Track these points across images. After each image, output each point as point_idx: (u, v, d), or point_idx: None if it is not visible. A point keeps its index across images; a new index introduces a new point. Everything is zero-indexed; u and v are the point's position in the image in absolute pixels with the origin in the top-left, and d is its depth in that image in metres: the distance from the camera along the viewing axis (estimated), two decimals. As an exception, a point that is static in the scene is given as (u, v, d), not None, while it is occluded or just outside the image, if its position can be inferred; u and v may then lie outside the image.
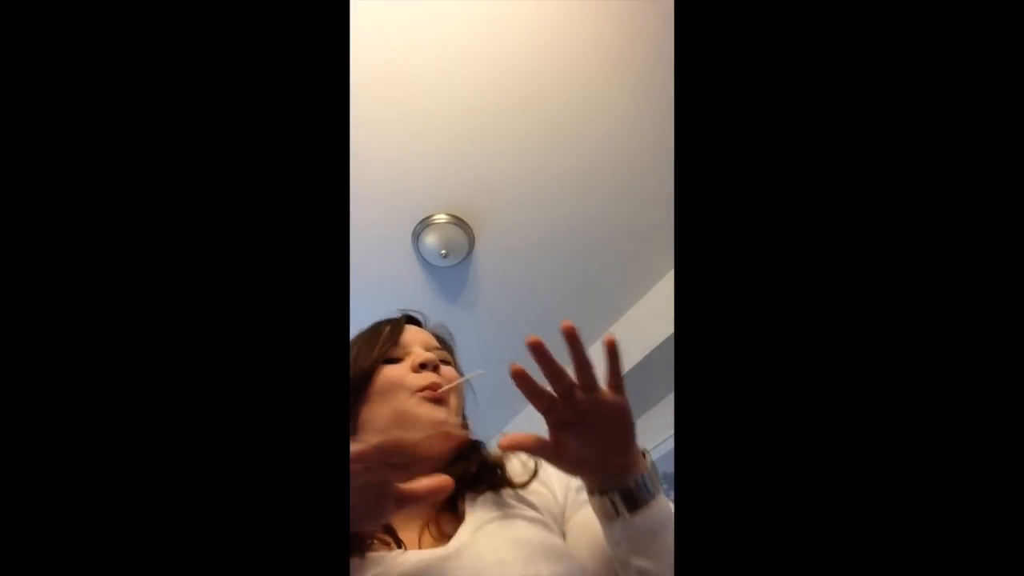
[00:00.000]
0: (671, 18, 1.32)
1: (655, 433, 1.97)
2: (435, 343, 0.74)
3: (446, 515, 0.61)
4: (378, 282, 1.85)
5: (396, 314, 0.77)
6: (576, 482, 0.67)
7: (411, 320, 0.78)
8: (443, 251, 1.75)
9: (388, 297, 1.86)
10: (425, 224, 1.71)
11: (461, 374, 0.72)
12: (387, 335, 0.70)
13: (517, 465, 0.69)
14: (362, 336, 0.72)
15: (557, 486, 0.68)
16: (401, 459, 0.44)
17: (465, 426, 0.71)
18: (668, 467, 1.90)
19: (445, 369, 0.69)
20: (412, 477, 0.45)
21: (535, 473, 0.68)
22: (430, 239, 1.73)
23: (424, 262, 1.81)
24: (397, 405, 0.64)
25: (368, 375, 0.66)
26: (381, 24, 1.33)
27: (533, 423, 0.55)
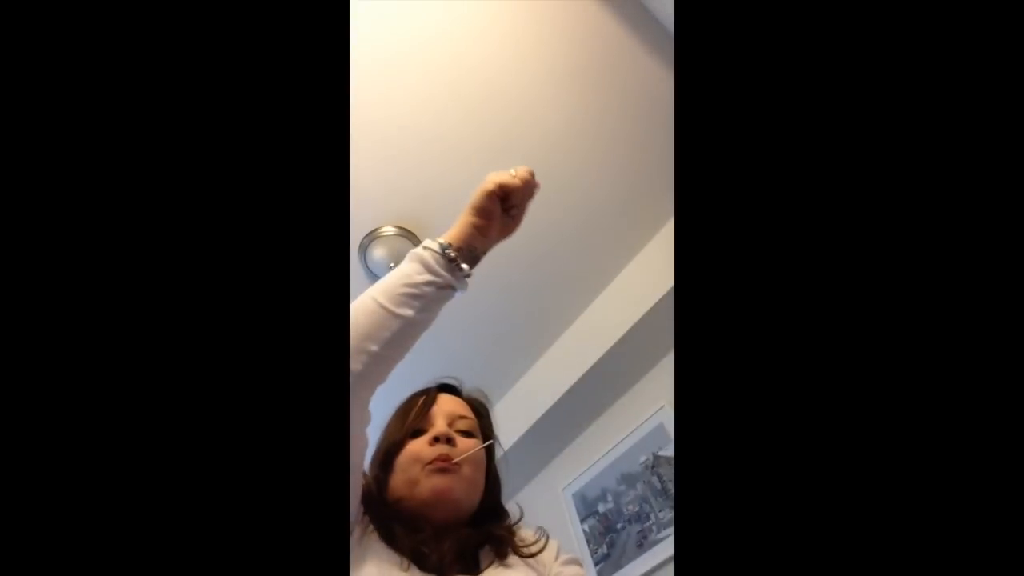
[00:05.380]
0: (605, 27, 1.37)
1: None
2: (463, 412, 0.81)
3: (465, 571, 0.70)
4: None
5: (434, 382, 0.85)
6: (561, 557, 0.79)
7: (448, 388, 0.85)
8: (391, 264, 1.72)
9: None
10: (372, 237, 1.68)
11: (491, 436, 0.82)
12: (417, 409, 0.79)
13: (528, 537, 0.77)
14: (399, 409, 0.82)
15: (547, 561, 0.77)
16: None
17: (491, 491, 0.80)
18: (660, 442, 1.91)
19: (462, 441, 0.77)
20: None
21: (543, 547, 0.77)
22: (378, 252, 1.70)
23: (372, 275, 1.77)
24: (410, 475, 0.73)
25: (397, 448, 0.76)
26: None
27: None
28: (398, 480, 0.74)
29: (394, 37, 1.34)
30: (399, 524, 0.70)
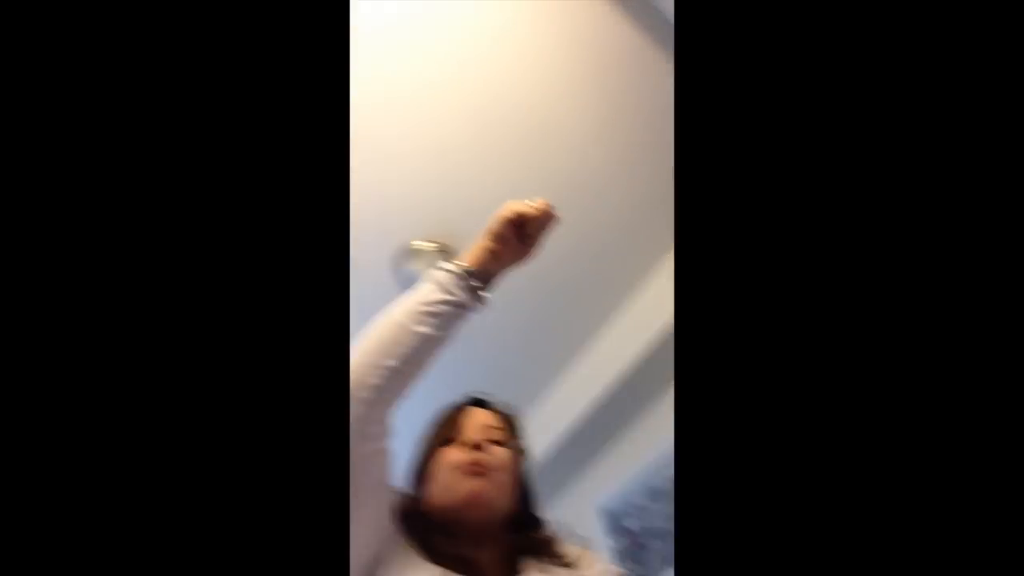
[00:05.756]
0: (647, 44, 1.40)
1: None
2: (493, 423, 0.83)
3: None
4: (358, 310, 1.84)
5: (465, 398, 0.87)
6: (600, 567, 0.81)
7: (478, 402, 0.87)
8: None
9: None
10: (407, 252, 1.73)
11: (521, 449, 0.84)
12: (448, 420, 0.82)
13: (570, 547, 0.79)
14: (432, 421, 0.85)
15: (588, 572, 0.79)
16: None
17: (524, 500, 0.81)
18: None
19: (493, 448, 0.78)
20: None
21: (584, 557, 0.79)
22: (412, 266, 1.74)
23: (405, 290, 1.80)
24: (444, 481, 0.75)
25: (428, 456, 0.79)
26: (374, 54, 1.37)
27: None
28: (433, 488, 0.76)
29: (434, 58, 1.39)
30: (437, 534, 0.72)
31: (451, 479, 0.74)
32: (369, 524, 0.68)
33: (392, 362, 0.66)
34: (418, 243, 1.72)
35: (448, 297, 0.70)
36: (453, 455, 0.77)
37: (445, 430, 0.81)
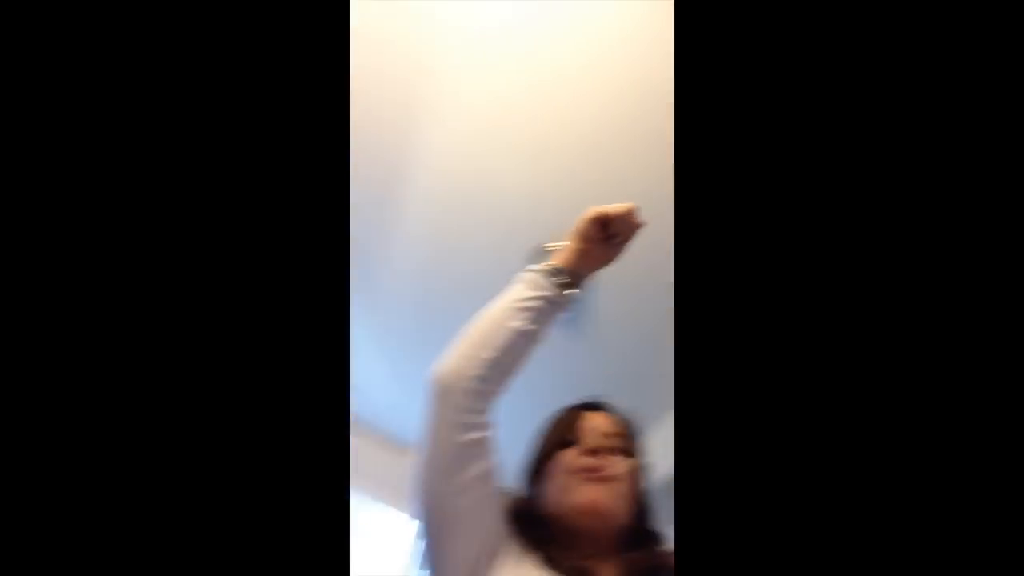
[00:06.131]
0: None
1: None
2: (614, 429, 0.82)
3: None
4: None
5: (580, 401, 0.87)
6: None
7: (598, 406, 0.87)
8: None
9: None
10: (547, 252, 1.77)
11: (640, 457, 0.82)
12: (567, 422, 0.82)
13: None
14: (549, 422, 0.85)
15: None
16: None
17: (642, 512, 0.78)
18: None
19: (614, 457, 0.77)
20: None
21: None
22: (545, 266, 1.78)
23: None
24: (561, 485, 0.74)
25: (546, 456, 0.79)
26: (527, 58, 1.44)
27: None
28: (549, 490, 0.76)
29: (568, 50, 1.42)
30: (554, 545, 0.70)
31: (569, 483, 0.74)
32: (474, 514, 0.67)
33: (489, 353, 0.69)
34: (551, 244, 1.76)
35: (538, 293, 0.73)
36: (573, 459, 0.76)
37: (564, 432, 0.80)
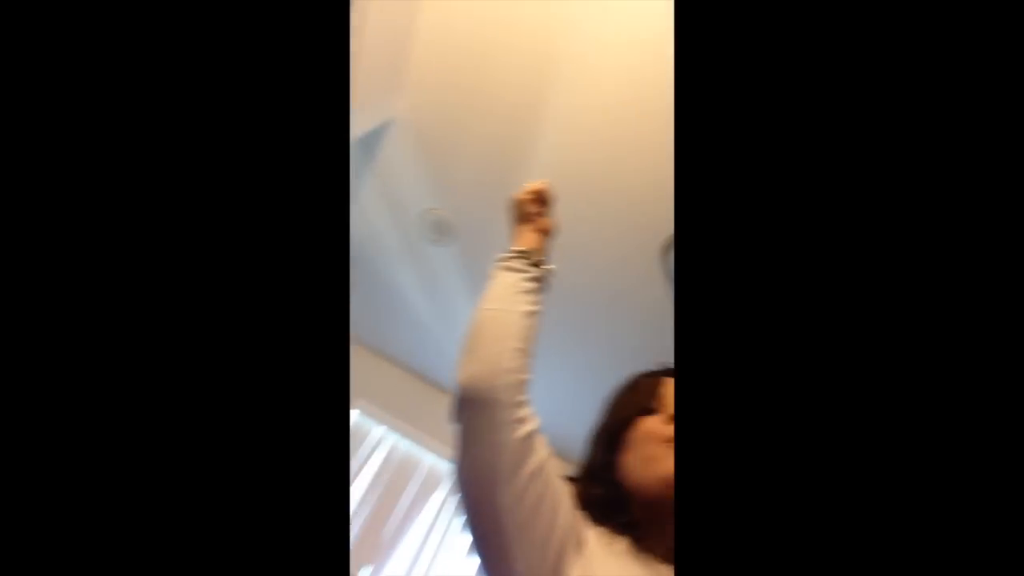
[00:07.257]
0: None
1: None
2: None
3: None
4: (626, 298, 1.95)
5: (658, 367, 0.82)
6: None
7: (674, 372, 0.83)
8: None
9: (635, 311, 1.96)
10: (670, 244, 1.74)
11: None
12: (647, 388, 0.77)
13: None
14: (623, 387, 0.81)
15: None
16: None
17: None
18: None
19: None
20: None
21: None
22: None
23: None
24: (646, 452, 0.69)
25: (625, 424, 0.74)
26: (642, 53, 1.43)
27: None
28: (630, 459, 0.70)
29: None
30: (642, 526, 0.66)
31: (657, 452, 0.67)
32: (544, 507, 0.60)
33: (514, 343, 0.66)
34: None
35: (528, 274, 0.76)
36: (658, 427, 0.70)
37: (644, 398, 0.75)
